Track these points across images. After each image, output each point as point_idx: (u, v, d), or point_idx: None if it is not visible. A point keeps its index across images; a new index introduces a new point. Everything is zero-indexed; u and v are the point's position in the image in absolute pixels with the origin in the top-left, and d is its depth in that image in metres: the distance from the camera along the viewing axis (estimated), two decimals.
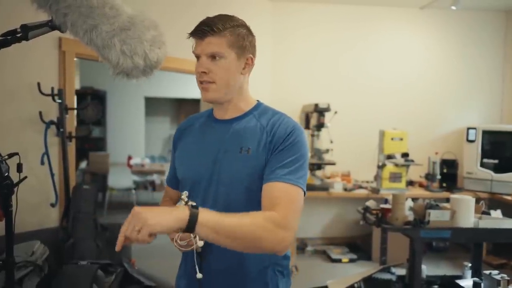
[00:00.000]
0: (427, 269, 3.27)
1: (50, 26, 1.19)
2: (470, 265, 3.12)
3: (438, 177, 4.41)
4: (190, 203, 1.08)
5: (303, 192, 1.13)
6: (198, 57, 1.19)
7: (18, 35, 1.19)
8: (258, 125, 1.20)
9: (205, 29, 1.15)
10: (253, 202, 1.14)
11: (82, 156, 7.11)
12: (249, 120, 1.23)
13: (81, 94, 7.77)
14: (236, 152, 1.18)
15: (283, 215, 1.05)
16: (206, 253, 1.17)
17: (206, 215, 0.96)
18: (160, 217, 0.93)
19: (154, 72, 1.21)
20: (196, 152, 1.26)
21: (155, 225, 0.91)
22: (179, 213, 0.94)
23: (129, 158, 7.15)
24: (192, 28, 1.19)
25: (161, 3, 3.54)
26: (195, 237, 1.08)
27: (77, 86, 7.18)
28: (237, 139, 1.20)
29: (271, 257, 1.22)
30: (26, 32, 1.19)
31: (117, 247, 0.94)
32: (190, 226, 0.94)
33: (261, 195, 1.12)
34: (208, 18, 1.18)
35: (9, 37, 1.20)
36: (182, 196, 1.10)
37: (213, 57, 1.15)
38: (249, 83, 1.28)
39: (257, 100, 1.30)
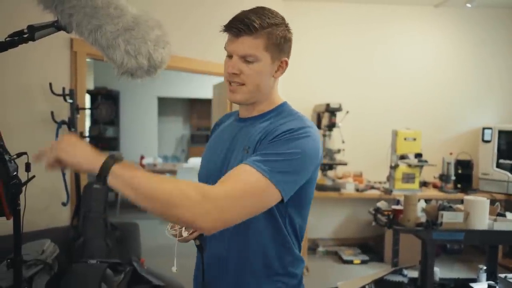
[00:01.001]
0: (441, 272, 3.21)
1: (56, 26, 1.20)
2: (485, 268, 3.05)
3: (453, 178, 4.33)
4: None
5: (274, 190, 0.96)
6: (229, 54, 1.11)
7: (25, 35, 1.20)
8: (266, 124, 1.13)
9: (241, 27, 1.05)
10: None
11: None
12: (265, 120, 1.16)
13: (95, 94, 7.88)
14: (240, 152, 1.13)
15: (223, 191, 0.92)
16: (204, 245, 1.16)
17: (123, 167, 0.88)
18: (78, 150, 0.91)
19: (158, 72, 1.20)
20: (212, 149, 1.24)
21: (66, 153, 0.90)
22: (97, 156, 0.89)
23: (142, 157, 7.21)
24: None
25: (170, 2, 3.55)
26: (180, 227, 1.07)
27: (91, 86, 7.28)
28: (244, 138, 1.15)
29: (272, 266, 1.12)
30: (33, 33, 1.20)
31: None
32: (102, 173, 0.87)
33: None
34: (244, 13, 1.08)
35: (16, 38, 1.21)
36: None
37: (246, 58, 1.08)
38: (278, 84, 1.23)
39: (284, 101, 1.22)
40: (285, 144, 1.01)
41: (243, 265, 1.12)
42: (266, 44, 1.07)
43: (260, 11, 1.09)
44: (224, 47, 1.12)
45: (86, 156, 0.90)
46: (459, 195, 4.14)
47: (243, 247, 1.04)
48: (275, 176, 0.96)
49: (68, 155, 0.90)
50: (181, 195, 0.88)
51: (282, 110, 1.18)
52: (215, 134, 1.31)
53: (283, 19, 1.13)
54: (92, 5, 1.13)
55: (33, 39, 1.21)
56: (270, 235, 1.09)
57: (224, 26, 1.09)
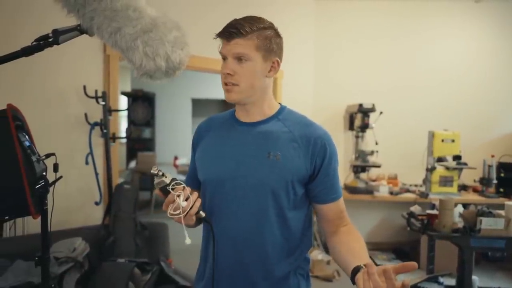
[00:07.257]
0: (480, 280, 3.05)
1: (79, 30, 1.22)
2: None
3: (495, 181, 4.10)
4: (164, 173, 1.12)
5: None
6: (224, 57, 1.18)
7: (50, 39, 1.23)
8: (285, 129, 1.21)
9: (232, 31, 1.14)
10: (278, 206, 1.18)
11: (132, 156, 7.39)
12: (274, 124, 1.23)
13: (132, 96, 8.10)
14: (263, 157, 1.18)
15: (349, 221, 1.27)
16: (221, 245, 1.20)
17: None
18: None
19: (177, 74, 1.20)
20: (219, 153, 1.24)
21: None
22: None
23: (175, 158, 7.33)
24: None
25: (200, 2, 3.57)
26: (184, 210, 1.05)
27: (128, 88, 7.49)
28: (264, 143, 1.19)
29: (295, 261, 1.25)
30: (57, 37, 1.23)
31: None
32: None
33: (323, 211, 1.24)
34: (235, 20, 1.17)
35: (41, 42, 1.24)
36: (152, 170, 1.12)
37: (239, 59, 1.15)
38: (272, 85, 1.27)
39: (280, 104, 1.29)
40: (332, 161, 1.21)
41: (272, 265, 1.21)
42: (257, 45, 1.14)
43: (250, 18, 1.17)
44: (219, 52, 1.19)
45: None
46: (502, 200, 3.90)
47: (259, 250, 1.18)
48: (340, 188, 1.28)
49: None
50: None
51: (286, 112, 1.26)
52: (212, 139, 1.29)
53: (271, 24, 1.21)
54: (112, 8, 1.14)
55: (58, 43, 1.24)
56: (282, 240, 1.21)
57: (217, 33, 1.17)
